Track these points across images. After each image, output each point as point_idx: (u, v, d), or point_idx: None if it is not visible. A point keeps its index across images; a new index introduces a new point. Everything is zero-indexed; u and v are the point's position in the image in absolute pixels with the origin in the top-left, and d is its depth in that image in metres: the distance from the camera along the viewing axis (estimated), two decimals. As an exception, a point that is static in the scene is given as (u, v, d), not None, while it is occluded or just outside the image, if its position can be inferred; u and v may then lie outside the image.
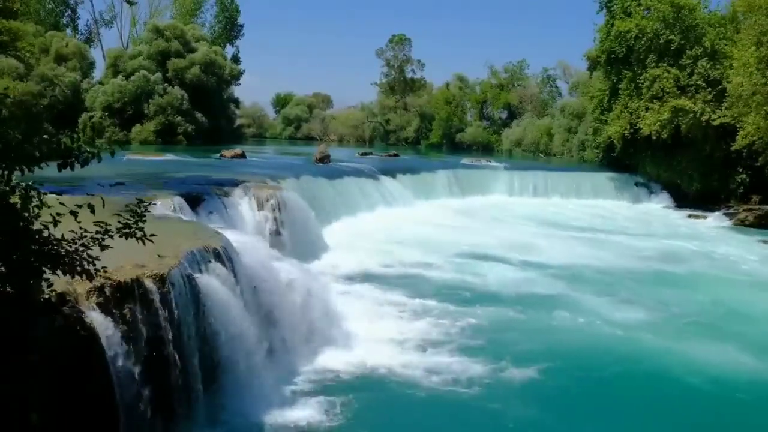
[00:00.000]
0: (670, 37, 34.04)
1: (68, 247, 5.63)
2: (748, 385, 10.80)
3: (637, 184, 37.07)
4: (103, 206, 5.67)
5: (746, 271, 20.07)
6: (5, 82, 34.16)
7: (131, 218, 5.98)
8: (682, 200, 35.03)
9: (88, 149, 5.37)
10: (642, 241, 24.02)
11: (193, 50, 54.31)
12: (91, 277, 6.04)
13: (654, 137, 33.94)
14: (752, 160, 31.27)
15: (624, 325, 13.48)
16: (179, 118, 51.06)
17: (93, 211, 5.38)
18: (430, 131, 73.23)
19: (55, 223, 5.45)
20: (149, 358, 7.34)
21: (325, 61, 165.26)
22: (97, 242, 5.77)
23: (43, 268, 5.50)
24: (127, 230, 5.94)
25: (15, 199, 5.30)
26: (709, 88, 32.84)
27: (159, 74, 51.81)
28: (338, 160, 33.87)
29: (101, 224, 5.80)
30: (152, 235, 6.11)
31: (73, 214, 5.46)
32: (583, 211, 32.08)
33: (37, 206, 5.35)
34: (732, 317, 14.58)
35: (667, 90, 33.68)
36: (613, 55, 36.64)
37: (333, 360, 10.75)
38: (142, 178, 19.10)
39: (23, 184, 5.28)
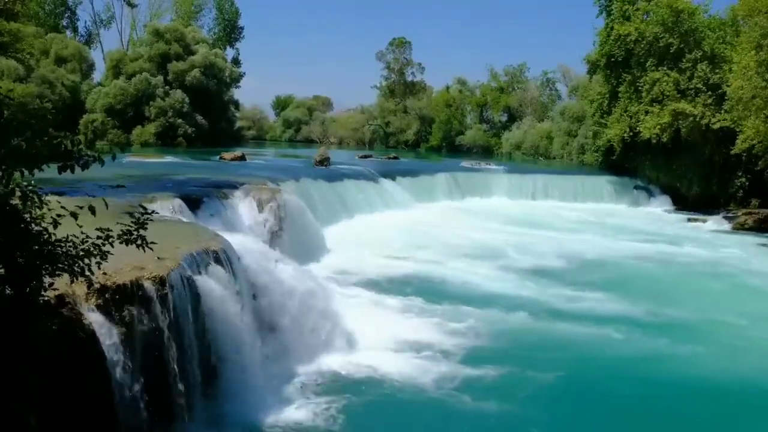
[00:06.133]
0: (669, 41, 34.12)
1: (69, 251, 5.63)
2: (744, 389, 10.80)
3: (636, 187, 37.08)
4: (107, 207, 5.68)
5: (745, 274, 20.01)
6: (6, 84, 34.21)
7: (133, 225, 5.99)
8: (681, 204, 35.08)
9: (89, 153, 5.37)
10: (641, 244, 24.00)
11: (193, 52, 54.35)
12: (90, 280, 6.05)
13: (654, 141, 33.99)
14: (752, 164, 31.30)
15: (619, 327, 13.46)
16: (179, 121, 51.09)
17: (93, 213, 5.38)
18: (430, 134, 73.11)
19: (55, 224, 5.46)
20: (148, 359, 7.35)
21: (326, 63, 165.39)
22: (98, 248, 5.77)
23: (44, 270, 5.51)
24: (127, 237, 5.95)
25: (15, 201, 5.31)
26: (709, 92, 32.91)
27: (160, 77, 51.90)
28: (338, 162, 33.88)
29: (102, 231, 5.81)
30: (152, 242, 6.12)
31: (74, 215, 5.46)
32: (581, 214, 32.07)
33: (38, 207, 5.36)
34: (729, 320, 14.53)
35: (667, 93, 33.74)
36: (612, 59, 36.72)
37: (332, 362, 10.75)
38: (142, 180, 19.11)
39: (24, 184, 5.28)
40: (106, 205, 5.74)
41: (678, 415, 9.99)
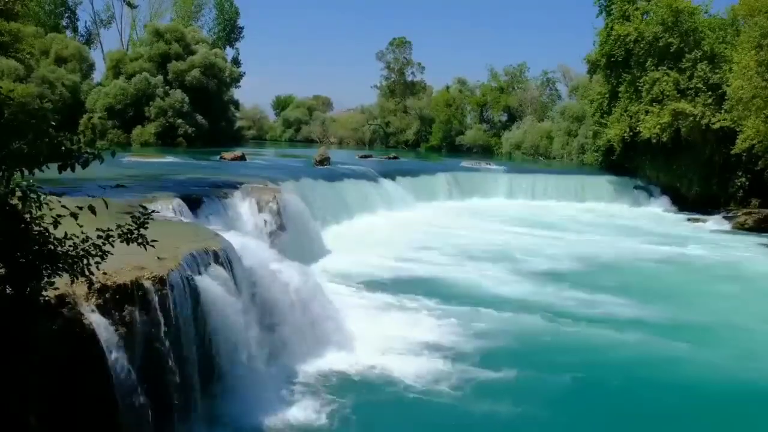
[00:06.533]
0: (669, 41, 34.11)
1: (69, 250, 5.63)
2: (761, 393, 10.78)
3: (636, 187, 37.09)
4: (107, 207, 5.67)
5: (755, 276, 19.95)
6: (7, 84, 34.17)
7: (133, 224, 5.99)
8: (681, 204, 35.07)
9: (88, 150, 5.37)
10: (647, 245, 23.97)
11: (193, 52, 54.33)
12: (90, 280, 6.04)
13: (654, 140, 33.99)
14: (752, 164, 31.28)
15: (633, 329, 13.37)
16: (180, 120, 51.09)
17: (94, 213, 5.37)
18: (430, 134, 73.05)
19: (56, 224, 5.45)
20: (148, 359, 7.35)
21: (326, 63, 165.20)
22: (98, 248, 5.76)
23: (43, 269, 5.50)
24: (128, 236, 5.95)
25: (15, 201, 5.30)
26: (709, 92, 32.90)
27: (160, 77, 51.91)
28: (338, 162, 33.89)
29: (103, 230, 5.80)
30: (153, 240, 6.12)
31: (74, 215, 5.45)
32: (582, 214, 32.09)
33: (38, 207, 5.35)
34: (744, 323, 14.47)
35: (667, 93, 33.74)
36: (612, 59, 36.71)
37: (332, 362, 10.75)
38: (142, 180, 19.12)
39: (24, 183, 5.28)
40: (106, 204, 5.72)
41: (695, 418, 9.91)
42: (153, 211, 6.31)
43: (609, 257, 21.24)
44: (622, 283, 17.44)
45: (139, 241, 5.98)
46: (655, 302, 15.54)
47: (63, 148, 5.30)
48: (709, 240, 26.08)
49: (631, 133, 35.60)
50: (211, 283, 8.77)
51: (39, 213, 5.42)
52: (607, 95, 38.80)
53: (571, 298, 15.69)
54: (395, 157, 44.55)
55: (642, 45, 34.88)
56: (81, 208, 5.45)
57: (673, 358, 11.97)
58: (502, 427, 9.24)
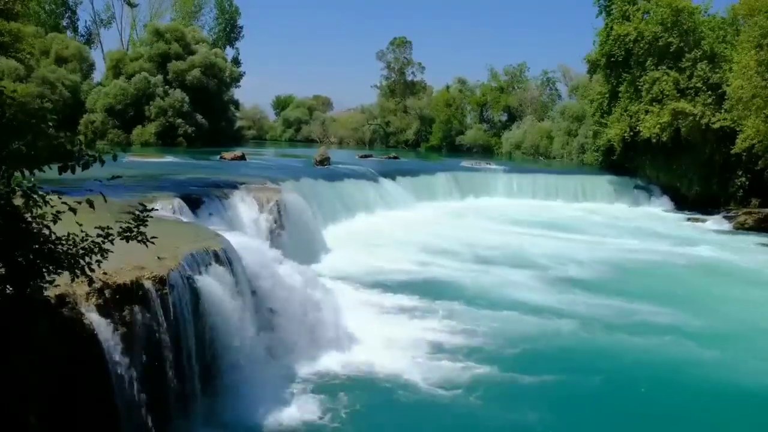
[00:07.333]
0: (669, 40, 34.12)
1: (69, 249, 5.63)
2: (744, 389, 10.74)
3: (636, 187, 37.10)
4: (105, 201, 5.66)
5: (746, 274, 19.96)
6: (9, 85, 34.06)
7: (133, 222, 6.00)
8: (681, 203, 35.08)
9: (89, 153, 5.37)
10: (643, 244, 23.95)
11: (193, 52, 54.35)
12: (91, 280, 6.04)
13: (654, 140, 34.00)
14: (752, 164, 31.28)
15: (654, 334, 13.23)
16: (180, 120, 51.10)
17: (92, 206, 5.36)
18: (430, 134, 73.09)
19: (55, 220, 5.45)
20: (148, 359, 7.34)
21: (326, 63, 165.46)
22: (98, 246, 5.77)
23: (44, 269, 5.50)
24: (128, 234, 5.95)
25: (17, 201, 5.30)
26: (709, 91, 32.90)
27: (160, 77, 51.92)
28: (338, 162, 33.88)
29: (103, 229, 5.80)
30: (153, 237, 6.12)
31: (73, 210, 5.44)
32: (583, 213, 32.09)
33: (39, 206, 5.35)
34: (731, 320, 14.48)
35: (667, 93, 33.74)
36: (612, 59, 36.71)
37: (332, 361, 10.74)
38: (142, 179, 19.11)
39: (25, 183, 5.28)
40: (105, 199, 5.71)
41: (726, 426, 9.82)
42: (152, 209, 6.32)
43: (618, 259, 20.97)
44: (642, 287, 17.14)
45: (139, 238, 5.99)
46: (679, 306, 15.19)
47: (63, 149, 5.30)
48: (719, 241, 25.67)
49: (631, 133, 35.61)
50: (212, 283, 8.77)
51: (39, 212, 5.43)
52: (607, 95, 38.81)
53: (582, 303, 15.49)
54: (395, 157, 44.54)
55: (642, 45, 34.89)
56: (80, 203, 5.45)
57: (705, 364, 11.74)
58: (500, 425, 9.20)
